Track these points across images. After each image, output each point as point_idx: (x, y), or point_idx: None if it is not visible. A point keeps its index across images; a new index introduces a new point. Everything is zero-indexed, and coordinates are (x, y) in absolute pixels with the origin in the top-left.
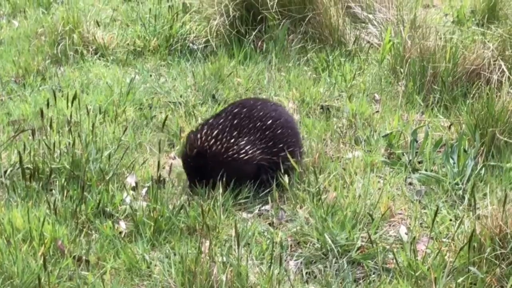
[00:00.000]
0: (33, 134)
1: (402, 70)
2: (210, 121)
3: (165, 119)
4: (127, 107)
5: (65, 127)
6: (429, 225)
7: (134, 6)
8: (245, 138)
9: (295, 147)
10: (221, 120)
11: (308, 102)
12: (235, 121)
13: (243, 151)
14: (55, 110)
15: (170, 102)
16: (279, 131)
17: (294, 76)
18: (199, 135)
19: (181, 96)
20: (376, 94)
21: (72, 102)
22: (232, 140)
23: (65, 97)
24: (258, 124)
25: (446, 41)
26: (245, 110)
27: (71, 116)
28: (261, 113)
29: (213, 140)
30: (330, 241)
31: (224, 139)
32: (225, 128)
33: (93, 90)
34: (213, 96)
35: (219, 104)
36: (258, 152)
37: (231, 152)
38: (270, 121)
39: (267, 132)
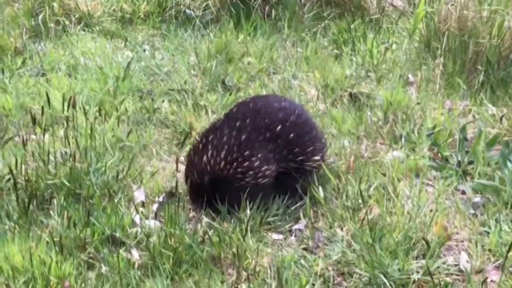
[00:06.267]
0: (24, 143)
1: (438, 45)
2: (211, 137)
3: None
4: (125, 98)
5: (55, 124)
6: (492, 247)
7: None
8: (259, 156)
9: (314, 145)
10: (225, 138)
11: (332, 88)
12: (243, 137)
13: (260, 174)
14: (42, 102)
15: (172, 90)
16: (291, 136)
17: (312, 52)
18: (205, 158)
19: (185, 83)
20: (410, 75)
21: (68, 106)
22: (246, 164)
23: (50, 84)
24: (268, 134)
25: (490, 12)
26: (249, 120)
27: (67, 122)
28: (266, 120)
29: (223, 163)
30: (382, 276)
31: (236, 163)
32: (233, 147)
33: (82, 74)
34: (223, 82)
35: (230, 93)
36: (273, 167)
37: (248, 178)
38: (280, 126)
39: (278, 141)
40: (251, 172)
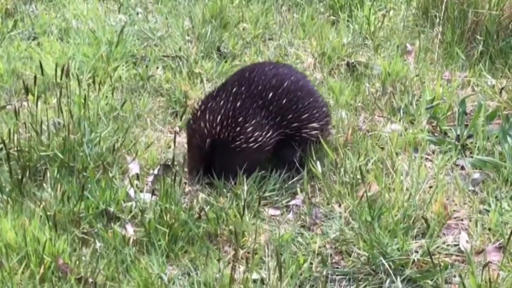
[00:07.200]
0: (16, 114)
1: (437, 14)
2: (209, 104)
3: None
4: (119, 64)
5: (47, 90)
6: (492, 226)
7: None
8: (252, 122)
9: (311, 111)
10: (222, 103)
11: (329, 56)
12: (237, 104)
13: (252, 139)
14: (34, 67)
15: (167, 56)
16: (284, 101)
17: (309, 18)
18: (202, 123)
19: (179, 49)
20: (408, 44)
21: (62, 74)
22: (238, 128)
23: (42, 48)
24: (261, 102)
25: None
26: (243, 88)
27: (60, 90)
28: (260, 88)
29: (219, 127)
30: (381, 258)
31: (230, 127)
32: (228, 112)
33: (75, 38)
34: (218, 49)
35: (225, 60)
36: (268, 135)
37: (239, 142)
38: (271, 93)
39: (270, 108)
40: (242, 137)
